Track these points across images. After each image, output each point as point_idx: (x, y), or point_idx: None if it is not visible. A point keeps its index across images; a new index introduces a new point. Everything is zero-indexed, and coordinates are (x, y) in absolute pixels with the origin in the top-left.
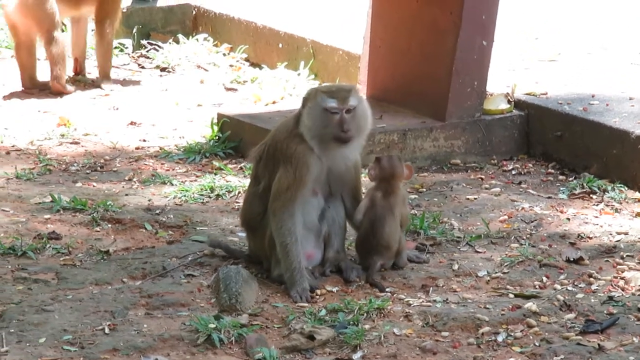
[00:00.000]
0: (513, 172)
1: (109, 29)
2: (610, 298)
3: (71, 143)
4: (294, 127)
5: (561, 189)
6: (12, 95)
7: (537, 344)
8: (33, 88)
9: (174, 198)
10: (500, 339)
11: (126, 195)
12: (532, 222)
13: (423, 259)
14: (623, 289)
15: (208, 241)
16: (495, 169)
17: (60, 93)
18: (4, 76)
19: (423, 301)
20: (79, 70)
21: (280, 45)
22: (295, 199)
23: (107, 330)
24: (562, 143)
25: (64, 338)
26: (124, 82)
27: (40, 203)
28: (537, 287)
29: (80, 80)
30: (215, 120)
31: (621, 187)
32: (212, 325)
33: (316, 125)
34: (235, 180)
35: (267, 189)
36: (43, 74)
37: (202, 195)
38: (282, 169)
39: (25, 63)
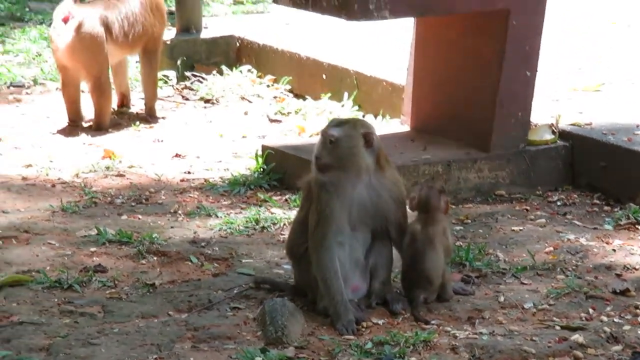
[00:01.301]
0: (558, 203)
1: (154, 63)
2: None
3: (116, 175)
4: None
5: (606, 219)
6: (58, 128)
7: None
8: (78, 121)
9: (219, 230)
10: None
11: (171, 227)
12: (577, 253)
13: (468, 291)
14: None
15: (253, 279)
16: (540, 200)
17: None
18: (49, 109)
19: (469, 333)
20: (124, 103)
21: (324, 77)
22: (326, 235)
23: None
24: (607, 173)
25: None
26: (168, 114)
27: (85, 236)
28: (583, 318)
29: (124, 113)
30: (260, 152)
31: None
32: (259, 359)
33: (342, 158)
34: (280, 212)
35: (306, 218)
36: (89, 106)
37: (247, 227)
38: (314, 204)
39: (72, 97)
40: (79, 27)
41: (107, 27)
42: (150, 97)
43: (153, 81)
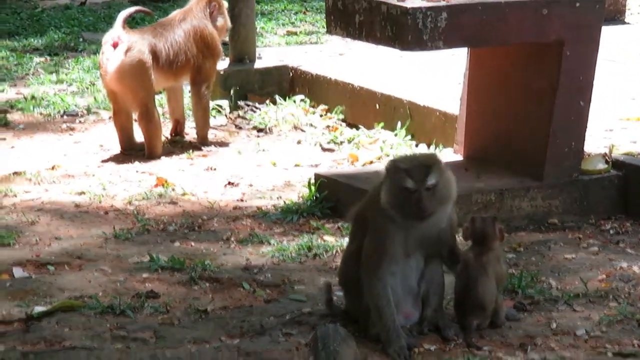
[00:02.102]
0: (611, 232)
1: (206, 91)
2: None
3: (169, 203)
4: (377, 196)
5: None
6: (110, 156)
7: None
8: (131, 149)
9: (271, 257)
10: None
11: (224, 254)
12: (630, 281)
13: (516, 317)
14: None
15: (324, 283)
16: (593, 228)
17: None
18: (102, 137)
19: (521, 359)
20: (179, 131)
21: (377, 106)
22: (380, 266)
23: None
24: None
25: None
26: (222, 143)
27: (138, 262)
28: (636, 345)
29: (178, 142)
30: (313, 181)
31: None
32: None
33: (395, 202)
34: (333, 240)
35: (359, 249)
36: (141, 134)
37: (299, 254)
38: (369, 235)
39: (123, 125)
40: (127, 52)
41: (155, 54)
42: (201, 127)
43: (202, 110)
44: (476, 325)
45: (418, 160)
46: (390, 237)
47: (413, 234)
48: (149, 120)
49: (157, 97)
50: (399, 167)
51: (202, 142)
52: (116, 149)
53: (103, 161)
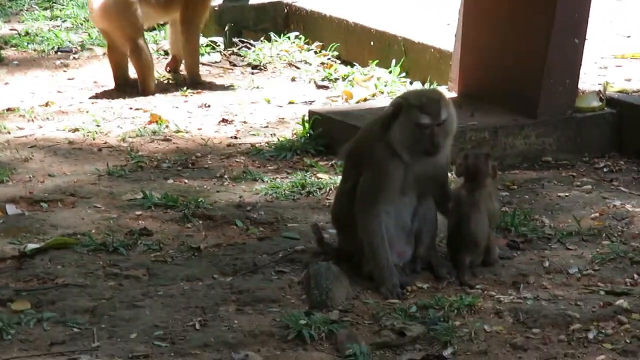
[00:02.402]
0: (605, 170)
1: (195, 30)
2: None
3: (163, 140)
4: (380, 133)
5: None
6: (104, 93)
7: (628, 341)
8: (125, 86)
9: (265, 195)
10: (591, 336)
11: (217, 192)
12: (623, 219)
13: (507, 256)
14: None
15: (313, 226)
16: (586, 166)
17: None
18: (96, 74)
19: (514, 298)
20: (175, 67)
21: (372, 43)
22: (377, 202)
23: (197, 326)
24: None
25: (155, 334)
26: (216, 80)
27: (131, 200)
28: (628, 284)
29: (173, 78)
30: (307, 118)
31: None
32: (303, 322)
33: (407, 139)
34: (327, 177)
35: (353, 188)
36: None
37: (293, 192)
38: (366, 173)
39: (117, 62)
40: None
41: None
42: (189, 65)
43: (190, 49)
44: (469, 263)
45: (426, 95)
46: (389, 174)
47: (413, 171)
48: (139, 56)
49: (153, 33)
50: (412, 104)
51: (192, 80)
52: (110, 85)
53: (97, 98)
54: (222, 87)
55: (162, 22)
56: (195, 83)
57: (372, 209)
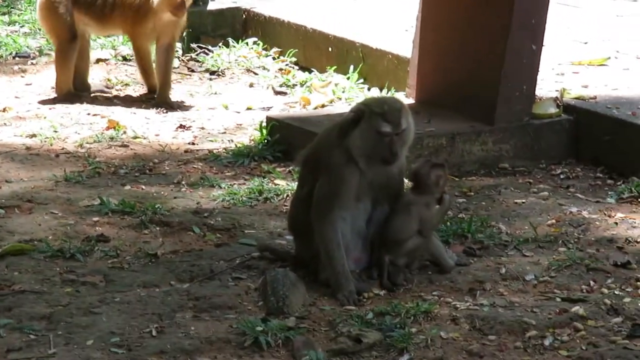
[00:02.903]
0: (561, 177)
1: (137, 50)
2: None
3: (120, 146)
4: (337, 138)
5: (609, 193)
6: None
7: (583, 347)
8: (83, 91)
9: (222, 201)
10: (547, 342)
11: (174, 198)
12: (580, 226)
13: (464, 262)
14: None
15: (257, 245)
16: (543, 173)
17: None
18: (54, 79)
19: (470, 305)
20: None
21: (330, 49)
22: (333, 208)
23: (154, 333)
24: (611, 147)
25: (111, 340)
26: (174, 86)
27: (88, 206)
28: (584, 291)
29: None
30: (264, 124)
31: None
32: (260, 328)
33: (366, 146)
34: (284, 184)
35: (309, 194)
36: (95, 76)
37: (250, 198)
38: (322, 179)
39: (77, 66)
40: None
41: None
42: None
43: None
44: (389, 261)
45: (388, 104)
46: (345, 180)
47: (368, 178)
48: (59, 58)
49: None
50: (374, 111)
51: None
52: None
53: (54, 103)
54: (180, 93)
55: (106, 34)
56: (163, 103)
57: (328, 215)
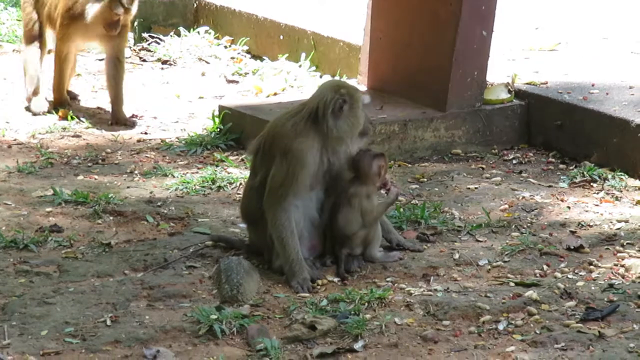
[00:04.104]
0: (514, 162)
1: (58, 52)
2: (611, 286)
3: (73, 136)
4: (303, 123)
5: (562, 177)
6: (14, 89)
7: (537, 331)
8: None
9: (175, 190)
10: (501, 327)
11: (128, 187)
12: (532, 210)
13: (417, 248)
14: (623, 277)
15: (209, 236)
16: (496, 158)
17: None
18: (6, 71)
19: (424, 290)
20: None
21: (282, 37)
22: (287, 195)
23: (108, 322)
24: (563, 132)
25: (65, 330)
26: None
27: (42, 196)
28: (537, 275)
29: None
30: (217, 113)
31: (621, 175)
32: (214, 317)
33: (357, 124)
34: (237, 172)
35: (263, 182)
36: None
37: (203, 187)
38: (278, 164)
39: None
40: None
41: None
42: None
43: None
44: (347, 254)
45: (345, 84)
46: (306, 167)
47: (327, 165)
48: (23, 53)
49: None
50: (351, 91)
51: (57, 103)
52: (19, 81)
53: (6, 92)
54: (132, 83)
55: None
56: (60, 106)
57: (282, 203)
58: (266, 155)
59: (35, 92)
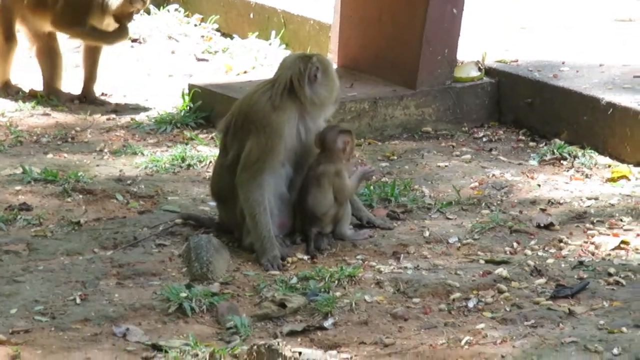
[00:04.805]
0: (484, 140)
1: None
2: (581, 263)
3: (42, 115)
4: (279, 97)
5: (532, 155)
6: None
7: (507, 309)
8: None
9: (145, 168)
10: (471, 304)
11: (97, 166)
12: (502, 188)
13: (387, 226)
14: (593, 254)
15: (179, 215)
16: (466, 136)
17: None
18: None
19: (394, 268)
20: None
21: (252, 16)
22: (263, 170)
23: (78, 301)
24: (533, 110)
25: (35, 309)
26: None
27: (11, 175)
28: (507, 253)
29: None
30: (187, 91)
31: (591, 153)
32: (184, 295)
33: (333, 88)
34: (207, 150)
35: (235, 160)
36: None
37: (173, 165)
38: (254, 139)
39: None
40: None
41: None
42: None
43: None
44: (317, 232)
45: (314, 54)
46: (283, 140)
47: (302, 136)
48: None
49: None
50: (322, 59)
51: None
52: None
53: None
54: (102, 61)
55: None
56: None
57: (257, 179)
58: (238, 132)
59: None
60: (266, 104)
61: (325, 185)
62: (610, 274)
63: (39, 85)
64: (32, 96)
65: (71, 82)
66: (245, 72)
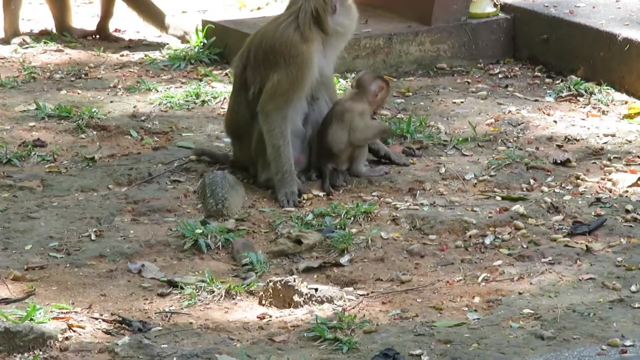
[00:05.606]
0: (500, 76)
1: None
2: (598, 200)
3: (55, 51)
4: (307, 28)
5: (548, 92)
6: None
7: (524, 246)
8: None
9: (159, 105)
10: (487, 241)
11: (111, 102)
12: (518, 125)
13: (404, 162)
14: (610, 191)
15: (193, 150)
16: (481, 72)
17: None
18: None
19: (410, 205)
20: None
21: None
22: (291, 101)
23: (93, 237)
24: (549, 46)
25: (50, 245)
26: None
27: (24, 111)
28: (524, 189)
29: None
30: (200, 27)
31: (608, 89)
32: (199, 231)
33: (356, 12)
34: (221, 87)
35: (257, 94)
36: None
37: (187, 101)
38: (283, 71)
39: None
40: None
41: None
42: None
43: None
44: (332, 169)
45: None
46: (312, 69)
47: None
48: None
49: None
50: None
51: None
52: None
53: None
54: None
55: None
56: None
57: (282, 110)
58: (260, 66)
59: None
60: (294, 34)
61: (347, 121)
62: (627, 211)
63: (50, 20)
64: (44, 34)
65: (82, 18)
66: (259, 8)
